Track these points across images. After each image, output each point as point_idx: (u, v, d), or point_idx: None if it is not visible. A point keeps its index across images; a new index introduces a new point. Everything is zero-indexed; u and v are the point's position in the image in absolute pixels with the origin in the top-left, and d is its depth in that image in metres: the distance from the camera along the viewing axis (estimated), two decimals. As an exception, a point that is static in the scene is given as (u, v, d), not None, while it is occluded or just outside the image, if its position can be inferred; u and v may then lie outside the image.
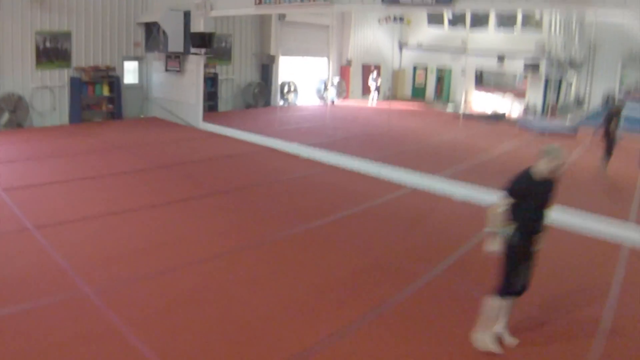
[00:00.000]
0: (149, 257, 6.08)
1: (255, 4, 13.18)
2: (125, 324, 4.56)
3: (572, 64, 23.74)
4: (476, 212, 8.49)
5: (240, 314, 4.87)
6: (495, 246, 4.33)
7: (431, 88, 26.72)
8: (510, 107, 23.06)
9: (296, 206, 8.40)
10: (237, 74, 19.83)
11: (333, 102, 22.92)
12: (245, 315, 4.85)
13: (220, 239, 6.79)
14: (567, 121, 21.55)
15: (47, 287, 5.16)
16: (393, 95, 26.10)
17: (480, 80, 24.94)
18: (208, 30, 14.95)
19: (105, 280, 5.39)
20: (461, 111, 20.82)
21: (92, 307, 4.83)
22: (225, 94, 19.44)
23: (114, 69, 15.88)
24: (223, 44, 18.88)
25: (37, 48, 14.17)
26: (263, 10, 13.81)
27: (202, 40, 14.75)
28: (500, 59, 23.07)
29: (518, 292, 4.45)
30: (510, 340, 4.54)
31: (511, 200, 4.28)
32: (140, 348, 4.22)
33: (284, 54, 20.96)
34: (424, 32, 26.16)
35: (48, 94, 14.61)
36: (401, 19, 24.70)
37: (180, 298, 5.13)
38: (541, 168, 4.25)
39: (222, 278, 5.65)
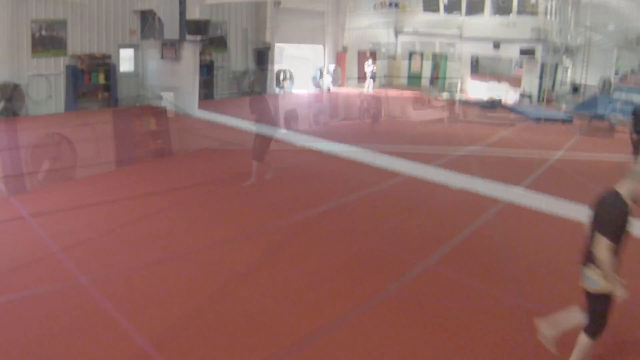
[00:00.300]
0: (144, 247, 6.14)
1: (251, -9, 13.12)
2: (121, 313, 4.62)
3: (568, 49, 23.71)
4: (472, 201, 8.58)
5: (235, 304, 4.95)
6: (623, 291, 3.69)
7: (427, 75, 26.66)
8: (506, 93, 23.07)
9: (291, 195, 8.47)
10: (232, 62, 19.74)
11: (329, 89, 22.88)
12: (241, 305, 4.93)
13: (214, 229, 6.86)
14: (563, 108, 21.60)
15: (43, 276, 5.23)
16: (389, 83, 26.02)
17: (476, 67, 24.91)
18: (203, 17, 14.89)
19: (101, 270, 5.45)
20: (457, 98, 20.84)
21: (88, 297, 4.90)
22: (221, 81, 19.37)
23: (109, 57, 15.80)
24: (218, 32, 18.79)
25: (33, 36, 14.07)
26: (258, -4, 13.73)
27: (198, 28, 14.71)
28: (496, 44, 23.04)
29: None
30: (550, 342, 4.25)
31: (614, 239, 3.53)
32: (135, 338, 4.29)
33: (280, 41, 20.89)
34: (420, 18, 26.04)
35: (44, 82, 14.52)
36: (396, 5, 24.61)
37: (176, 288, 5.20)
38: (625, 190, 3.60)
39: (217, 268, 5.71)
